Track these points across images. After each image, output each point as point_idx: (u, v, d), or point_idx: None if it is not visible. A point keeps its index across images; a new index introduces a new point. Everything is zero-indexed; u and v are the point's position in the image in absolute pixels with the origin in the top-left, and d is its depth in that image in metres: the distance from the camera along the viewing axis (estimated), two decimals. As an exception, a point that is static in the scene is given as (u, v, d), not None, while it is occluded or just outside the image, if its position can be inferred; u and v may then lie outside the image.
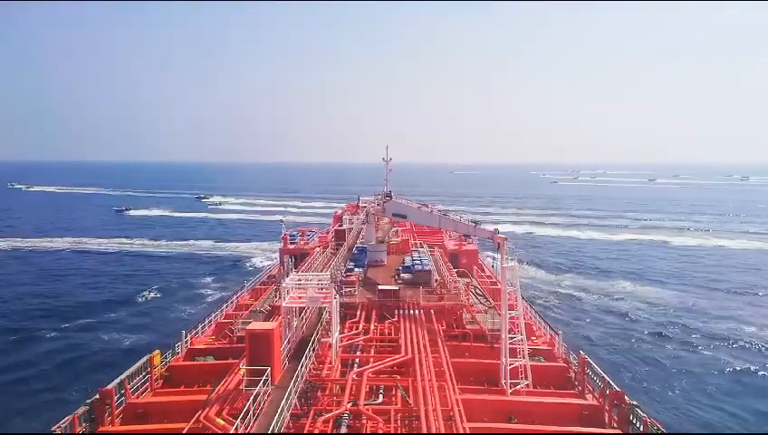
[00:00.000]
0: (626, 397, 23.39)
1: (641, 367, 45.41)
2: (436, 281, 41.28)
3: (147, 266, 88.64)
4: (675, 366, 45.48)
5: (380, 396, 23.99)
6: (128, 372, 25.39)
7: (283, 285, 30.02)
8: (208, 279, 77.71)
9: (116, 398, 23.77)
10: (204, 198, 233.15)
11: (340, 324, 30.55)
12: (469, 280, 46.70)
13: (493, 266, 56.12)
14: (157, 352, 28.27)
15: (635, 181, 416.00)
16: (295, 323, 29.09)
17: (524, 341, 27.83)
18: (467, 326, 34.06)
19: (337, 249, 54.90)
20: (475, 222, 37.04)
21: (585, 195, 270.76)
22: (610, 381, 24.58)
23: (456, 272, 47.54)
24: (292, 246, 57.01)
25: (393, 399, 23.68)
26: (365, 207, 61.76)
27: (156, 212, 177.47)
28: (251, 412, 19.89)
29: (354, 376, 24.71)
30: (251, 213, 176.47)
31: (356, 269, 44.49)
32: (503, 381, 27.01)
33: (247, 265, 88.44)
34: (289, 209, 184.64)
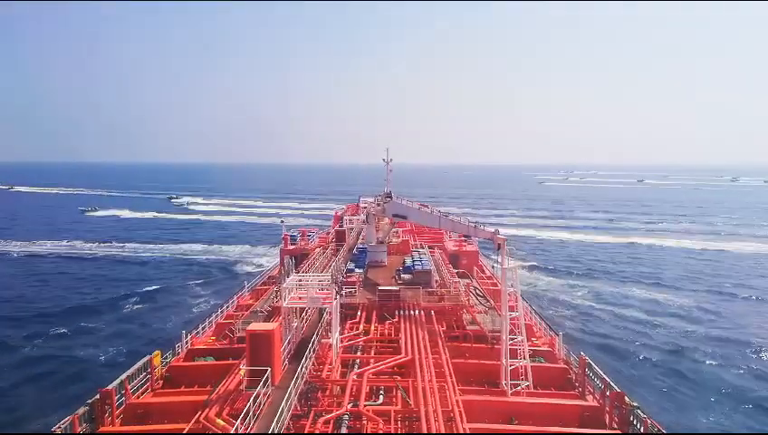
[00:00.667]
0: (626, 398, 23.36)
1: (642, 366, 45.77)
2: (437, 282, 41.29)
3: (89, 271, 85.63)
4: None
5: (381, 397, 23.97)
6: (128, 373, 25.39)
7: (284, 285, 30.00)
8: (143, 283, 75.64)
9: (116, 398, 23.76)
10: (174, 198, 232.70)
11: (341, 325, 30.55)
12: (469, 281, 46.68)
13: (493, 267, 56.16)
14: (157, 352, 28.29)
15: (623, 182, 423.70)
16: (296, 324, 29.07)
17: (525, 342, 27.80)
18: (468, 327, 34.06)
19: (337, 250, 54.90)
20: (474, 223, 37.04)
21: (561, 196, 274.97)
22: (611, 383, 24.56)
23: (457, 273, 47.57)
24: (292, 247, 57.03)
25: (393, 400, 23.65)
26: (365, 207, 61.79)
27: (122, 213, 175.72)
28: (251, 413, 19.86)
29: (354, 377, 24.67)
30: (217, 214, 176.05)
31: (356, 270, 44.48)
32: (503, 382, 26.97)
33: (193, 267, 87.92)
34: (254, 210, 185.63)
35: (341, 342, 29.46)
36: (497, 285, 42.20)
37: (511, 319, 28.16)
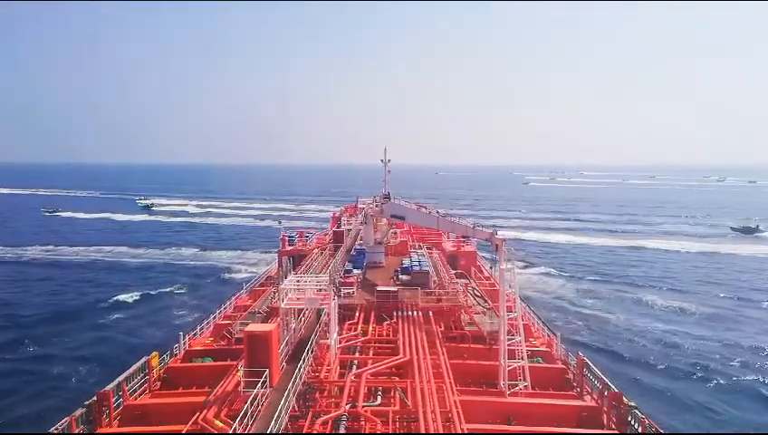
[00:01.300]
0: (624, 398, 23.40)
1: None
2: (435, 282, 41.29)
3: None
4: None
5: (379, 398, 23.99)
6: (126, 374, 25.37)
7: (282, 286, 29.99)
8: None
9: (114, 400, 23.74)
10: (142, 199, 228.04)
11: (339, 326, 30.50)
12: (467, 281, 46.69)
13: (491, 268, 56.12)
14: (155, 353, 28.26)
15: (607, 182, 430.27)
16: (294, 325, 29.05)
17: (523, 342, 27.84)
18: (466, 328, 34.09)
19: (335, 251, 54.87)
20: (473, 224, 37.05)
21: (538, 196, 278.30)
22: (609, 383, 24.60)
23: (455, 273, 47.57)
24: (290, 248, 56.98)
25: (392, 400, 23.69)
26: (363, 208, 61.78)
27: (86, 215, 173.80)
28: (249, 414, 19.84)
29: (353, 378, 24.68)
30: (186, 215, 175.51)
31: (354, 271, 44.45)
32: (501, 383, 26.98)
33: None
34: (222, 211, 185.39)
35: (340, 342, 29.44)
36: (495, 286, 42.21)
37: (509, 319, 28.18)
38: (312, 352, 27.10)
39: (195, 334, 34.27)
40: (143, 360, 27.13)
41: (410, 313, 34.87)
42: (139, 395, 26.03)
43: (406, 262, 46.43)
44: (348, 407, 21.86)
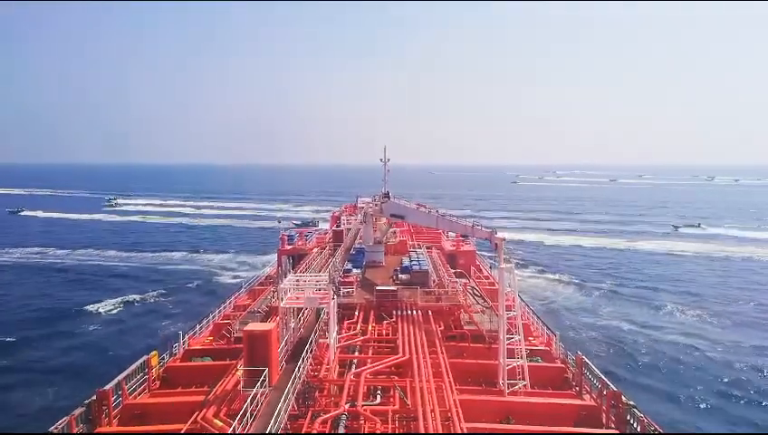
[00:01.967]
0: (623, 397, 23.41)
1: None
2: (434, 282, 41.31)
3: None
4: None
5: (378, 397, 23.97)
6: (125, 373, 25.35)
7: (281, 285, 29.99)
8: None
9: (113, 399, 23.73)
10: (113, 199, 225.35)
11: (338, 325, 30.51)
12: (467, 281, 46.66)
13: (491, 267, 56.17)
14: (154, 352, 28.25)
15: (595, 181, 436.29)
16: (293, 324, 29.05)
17: (522, 341, 27.85)
18: (465, 327, 34.08)
19: (335, 250, 54.90)
20: (472, 223, 37.04)
21: (521, 195, 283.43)
22: (608, 382, 24.60)
23: (454, 272, 47.58)
24: (289, 247, 57.00)
25: (391, 399, 23.67)
26: (363, 207, 61.77)
27: (53, 214, 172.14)
28: (248, 413, 19.85)
29: (352, 377, 24.70)
30: (153, 214, 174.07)
31: (354, 270, 44.49)
32: (500, 382, 27.01)
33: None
34: (202, 211, 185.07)
35: (339, 342, 29.46)
36: (494, 285, 42.23)
37: (508, 318, 28.19)
38: (311, 351, 27.09)
39: (194, 334, 34.25)
40: (142, 359, 27.09)
41: (410, 312, 34.90)
42: (139, 394, 26.02)
43: (405, 261, 46.48)
44: (347, 406, 21.86)
